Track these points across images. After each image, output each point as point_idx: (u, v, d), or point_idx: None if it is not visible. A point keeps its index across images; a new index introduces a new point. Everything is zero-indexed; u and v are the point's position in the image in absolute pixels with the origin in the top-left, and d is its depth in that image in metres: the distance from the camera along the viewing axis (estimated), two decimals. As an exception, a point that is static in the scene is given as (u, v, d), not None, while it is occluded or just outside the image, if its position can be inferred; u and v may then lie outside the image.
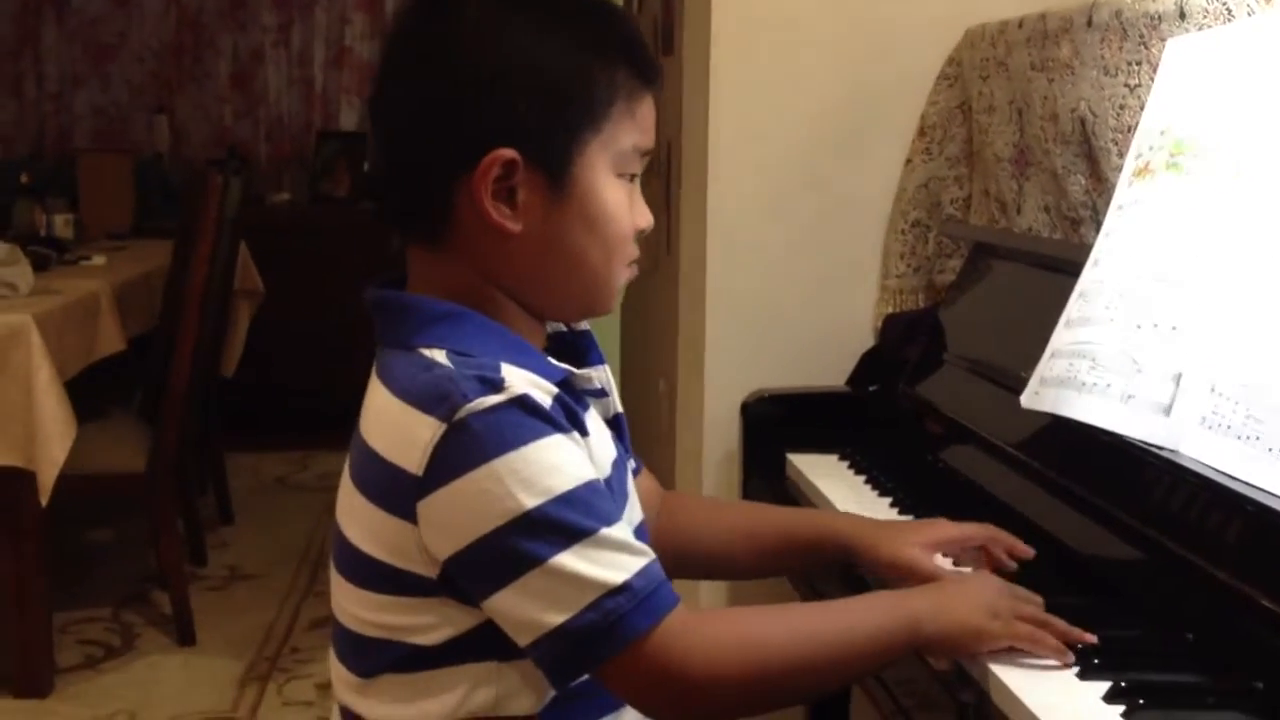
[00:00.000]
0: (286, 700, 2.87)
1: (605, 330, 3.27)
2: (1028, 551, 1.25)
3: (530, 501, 0.96)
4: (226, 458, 4.12)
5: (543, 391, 1.00)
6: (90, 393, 3.17)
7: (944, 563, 1.27)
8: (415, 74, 1.06)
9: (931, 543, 1.26)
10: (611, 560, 0.97)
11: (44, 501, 2.79)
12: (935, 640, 1.07)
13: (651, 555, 1.01)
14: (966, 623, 1.08)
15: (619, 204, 1.07)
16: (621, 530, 0.99)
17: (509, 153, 1.02)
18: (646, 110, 1.09)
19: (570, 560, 0.96)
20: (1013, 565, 1.26)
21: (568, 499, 0.97)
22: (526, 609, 0.97)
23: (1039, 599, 1.14)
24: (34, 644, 2.88)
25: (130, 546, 3.80)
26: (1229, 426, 1.12)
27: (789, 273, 2.15)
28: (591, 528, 0.97)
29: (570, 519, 0.97)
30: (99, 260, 3.76)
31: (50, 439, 2.76)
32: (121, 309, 3.36)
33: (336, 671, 1.10)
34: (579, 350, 1.17)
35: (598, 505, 0.99)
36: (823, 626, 1.06)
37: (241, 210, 3.75)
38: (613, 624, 0.97)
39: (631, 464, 1.20)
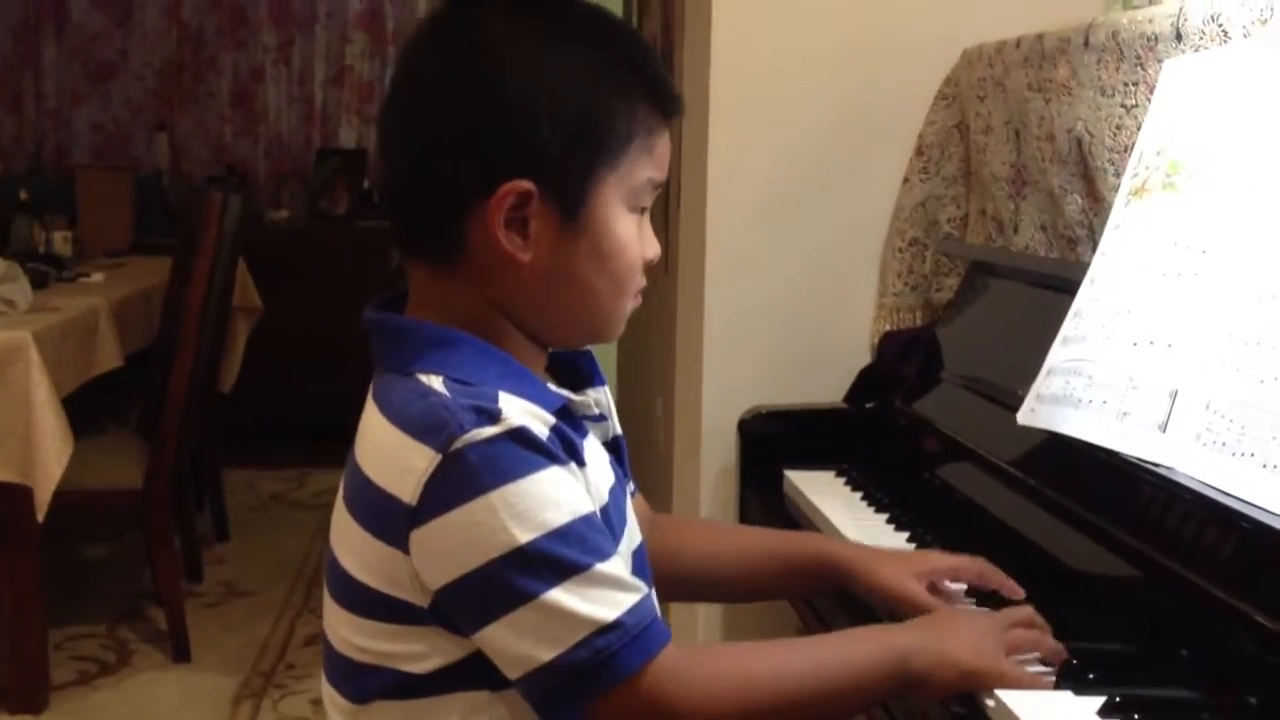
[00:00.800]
0: (281, 716, 2.86)
1: (602, 349, 3.26)
2: (1017, 592, 1.25)
3: (524, 536, 0.95)
4: (223, 474, 4.11)
5: (540, 422, 0.99)
6: (88, 409, 3.16)
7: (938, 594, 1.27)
8: (435, 95, 1.04)
9: (926, 572, 1.26)
10: (604, 597, 0.97)
11: (40, 517, 2.78)
12: (924, 677, 1.07)
13: (644, 590, 1.00)
14: (956, 662, 1.07)
15: (630, 237, 1.07)
16: (615, 565, 0.99)
17: (526, 184, 1.01)
18: (664, 145, 1.08)
19: (562, 596, 0.95)
20: (1019, 593, 1.25)
21: (562, 534, 0.96)
22: (517, 644, 0.96)
23: (1029, 611, 1.14)
24: (29, 660, 2.87)
25: (126, 563, 3.79)
26: (1224, 443, 1.12)
27: (786, 291, 2.16)
28: (585, 564, 0.96)
29: (564, 554, 0.96)
30: (97, 277, 3.77)
31: (47, 455, 2.76)
32: (120, 326, 3.36)
33: (329, 694, 1.09)
34: (579, 371, 1.17)
35: (592, 540, 0.98)
36: (812, 664, 1.06)
37: (240, 227, 3.75)
38: (603, 662, 0.96)
39: (631, 487, 1.19)
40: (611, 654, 0.96)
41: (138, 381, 3.55)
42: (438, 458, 0.96)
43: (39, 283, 3.35)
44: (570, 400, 1.05)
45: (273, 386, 4.68)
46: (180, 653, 3.14)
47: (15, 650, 2.86)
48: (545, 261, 1.04)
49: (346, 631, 1.05)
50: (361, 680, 1.04)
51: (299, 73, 5.55)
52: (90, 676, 3.06)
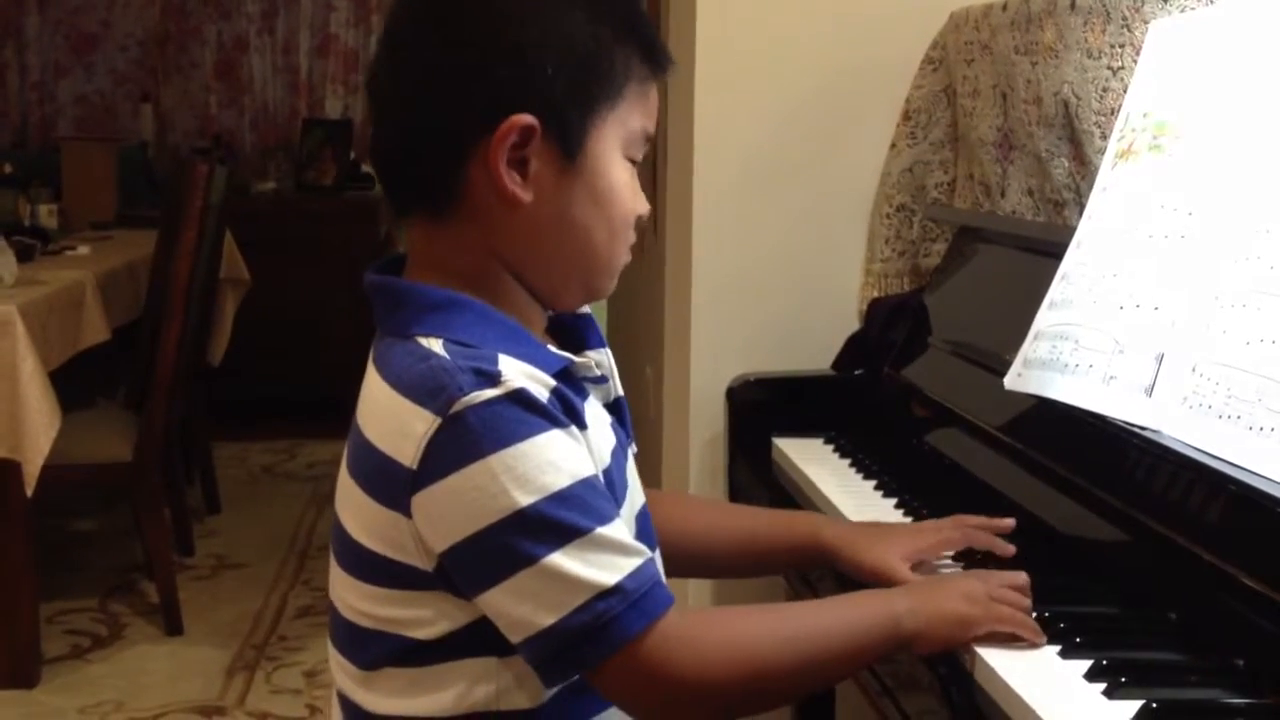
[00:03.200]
0: (275, 688, 2.87)
1: (593, 316, 3.27)
2: (1007, 550, 1.25)
3: (525, 499, 0.95)
4: (213, 447, 4.11)
5: (540, 384, 0.99)
6: (75, 383, 3.16)
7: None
8: (436, 33, 1.03)
9: (912, 551, 1.26)
10: (605, 561, 0.96)
11: (30, 492, 2.78)
12: (919, 634, 1.07)
13: (646, 554, 1.00)
14: (947, 612, 1.08)
15: (625, 184, 1.07)
16: (617, 529, 0.98)
17: (528, 119, 1.00)
18: (654, 97, 1.09)
19: (563, 560, 0.95)
20: (1009, 550, 1.25)
21: (563, 497, 0.96)
22: (518, 608, 0.96)
23: (1021, 577, 1.14)
24: (21, 634, 2.88)
25: (117, 536, 3.79)
26: (1210, 406, 1.12)
27: (774, 257, 2.15)
28: (586, 527, 0.96)
29: (565, 518, 0.96)
30: (83, 250, 3.75)
31: (35, 429, 2.76)
32: (106, 298, 3.35)
33: (336, 661, 1.09)
34: (579, 333, 1.16)
35: (594, 503, 0.98)
36: (810, 628, 1.06)
37: (227, 199, 3.74)
38: (603, 626, 0.96)
39: (633, 449, 1.19)
40: (612, 618, 0.96)
41: (125, 355, 3.54)
42: (437, 421, 0.95)
43: (24, 256, 3.34)
44: (572, 362, 1.05)
45: (263, 358, 4.67)
46: (172, 625, 3.15)
47: (7, 625, 2.87)
48: (545, 203, 1.03)
49: (352, 597, 1.05)
50: (368, 647, 1.04)
51: (284, 42, 5.51)
52: (83, 650, 3.07)
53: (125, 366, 3.57)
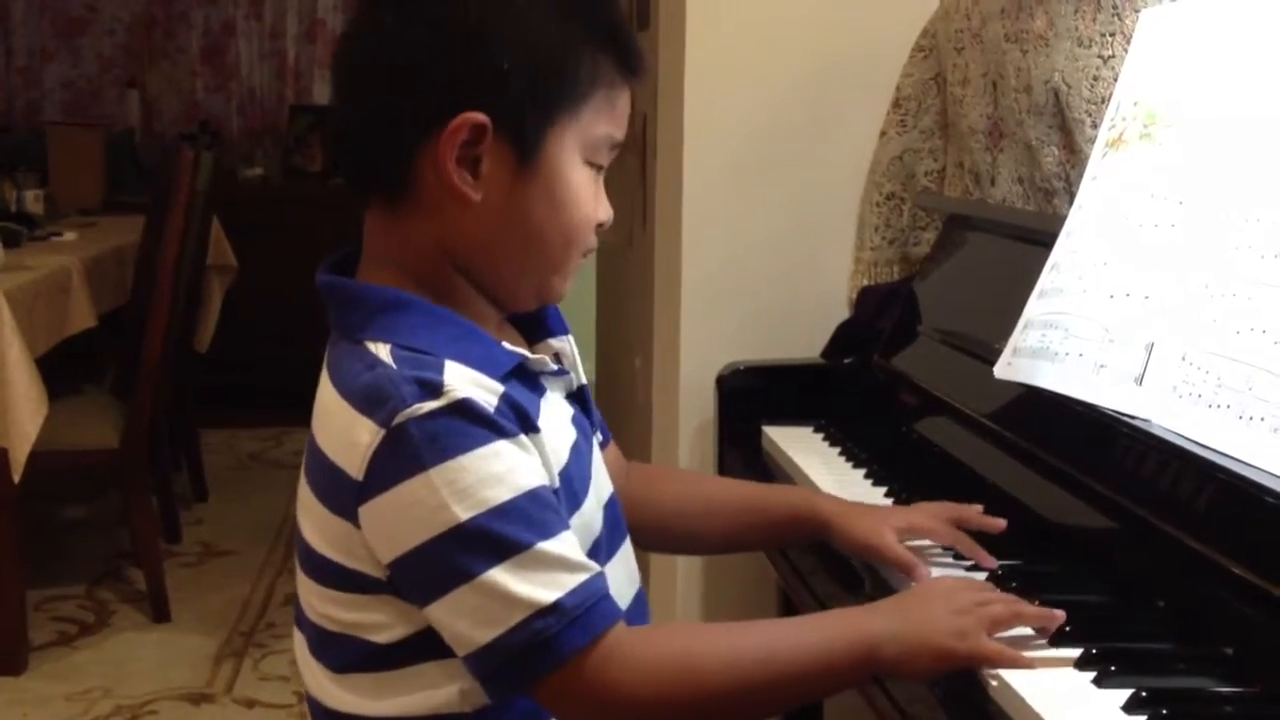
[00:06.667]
0: (262, 675, 2.87)
1: (581, 306, 3.27)
2: (989, 562, 1.24)
3: (464, 514, 0.93)
4: (201, 434, 4.11)
5: (488, 391, 0.97)
6: (62, 369, 3.15)
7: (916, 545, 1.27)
8: (395, 18, 1.01)
9: (903, 527, 1.26)
10: (545, 577, 0.94)
11: (16, 478, 2.77)
12: (896, 664, 1.02)
13: (593, 569, 0.97)
14: (932, 646, 1.02)
15: (583, 189, 1.05)
16: (562, 543, 0.96)
17: (480, 117, 0.99)
18: (624, 103, 1.07)
19: (501, 576, 0.93)
20: (992, 564, 1.24)
21: (504, 511, 0.94)
22: (458, 623, 0.95)
23: (1009, 599, 1.09)
24: (8, 622, 2.87)
25: (104, 523, 3.79)
26: (1200, 395, 1.12)
27: (764, 245, 2.15)
28: (527, 542, 0.94)
29: (505, 533, 0.94)
30: (70, 236, 3.74)
31: (22, 415, 2.75)
32: (93, 285, 3.34)
33: (307, 665, 1.08)
34: (542, 320, 1.15)
35: (537, 517, 0.96)
36: (768, 649, 1.01)
37: (214, 185, 3.72)
38: (541, 644, 0.94)
39: (599, 437, 1.18)
40: (550, 636, 0.94)
41: (112, 341, 3.53)
42: (381, 432, 0.94)
43: (10, 242, 3.33)
44: (526, 359, 1.03)
45: (250, 345, 4.65)
46: (160, 613, 3.15)
47: (-7, 612, 2.86)
48: (497, 203, 1.02)
49: (316, 601, 1.04)
50: (335, 650, 1.04)
51: (271, 27, 5.49)
52: (70, 637, 3.06)
53: (112, 353, 3.56)
